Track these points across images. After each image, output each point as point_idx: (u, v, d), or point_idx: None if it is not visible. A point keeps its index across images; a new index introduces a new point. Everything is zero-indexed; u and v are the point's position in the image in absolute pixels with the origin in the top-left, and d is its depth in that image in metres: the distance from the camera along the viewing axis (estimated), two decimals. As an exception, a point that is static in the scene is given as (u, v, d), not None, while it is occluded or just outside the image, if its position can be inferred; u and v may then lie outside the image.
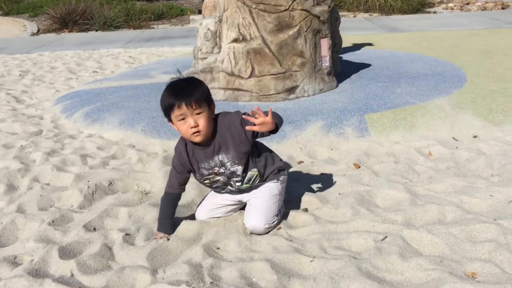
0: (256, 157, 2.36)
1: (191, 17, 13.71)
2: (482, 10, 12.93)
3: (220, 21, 4.36)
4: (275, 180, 2.39)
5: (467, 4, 14.35)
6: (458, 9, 13.50)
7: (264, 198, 2.35)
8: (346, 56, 5.82)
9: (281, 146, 3.36)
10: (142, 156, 3.37)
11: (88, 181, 2.94)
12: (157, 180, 2.96)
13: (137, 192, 2.84)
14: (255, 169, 2.34)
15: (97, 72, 6.69)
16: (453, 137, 3.36)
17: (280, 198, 2.41)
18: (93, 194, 2.81)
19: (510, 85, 4.26)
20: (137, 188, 2.92)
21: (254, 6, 4.02)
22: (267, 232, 2.32)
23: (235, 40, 4.15)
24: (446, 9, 13.65)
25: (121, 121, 3.99)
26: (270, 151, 2.47)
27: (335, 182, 2.82)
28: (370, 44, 7.09)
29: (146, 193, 2.84)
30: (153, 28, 12.92)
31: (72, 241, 2.28)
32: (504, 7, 13.00)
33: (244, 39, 4.12)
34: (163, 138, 3.66)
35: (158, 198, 2.75)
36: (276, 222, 2.36)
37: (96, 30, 12.52)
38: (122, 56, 7.90)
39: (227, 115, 2.31)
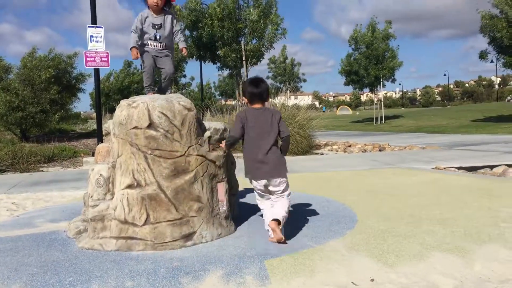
0: None
1: (85, 159, 13.42)
2: (363, 152, 14.27)
3: (113, 166, 4.24)
4: None
5: (349, 146, 15.80)
6: (342, 150, 14.78)
7: None
8: (243, 199, 5.89)
9: (178, 300, 3.10)
10: (15, 323, 2.90)
11: None
12: None
13: None
14: None
15: (-29, 221, 6.01)
16: (352, 282, 3.35)
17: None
18: None
19: (396, 224, 4.50)
20: None
21: (149, 152, 3.99)
22: None
23: (129, 186, 4.02)
24: (331, 150, 14.87)
25: (-7, 280, 3.48)
26: None
27: None
28: (265, 185, 7.28)
29: None
30: (42, 171, 12.35)
31: None
32: (381, 149, 14.48)
33: (139, 185, 4.00)
34: (42, 299, 3.22)
35: None
36: None
37: (-23, 173, 11.65)
38: (3, 203, 7.27)
39: None
